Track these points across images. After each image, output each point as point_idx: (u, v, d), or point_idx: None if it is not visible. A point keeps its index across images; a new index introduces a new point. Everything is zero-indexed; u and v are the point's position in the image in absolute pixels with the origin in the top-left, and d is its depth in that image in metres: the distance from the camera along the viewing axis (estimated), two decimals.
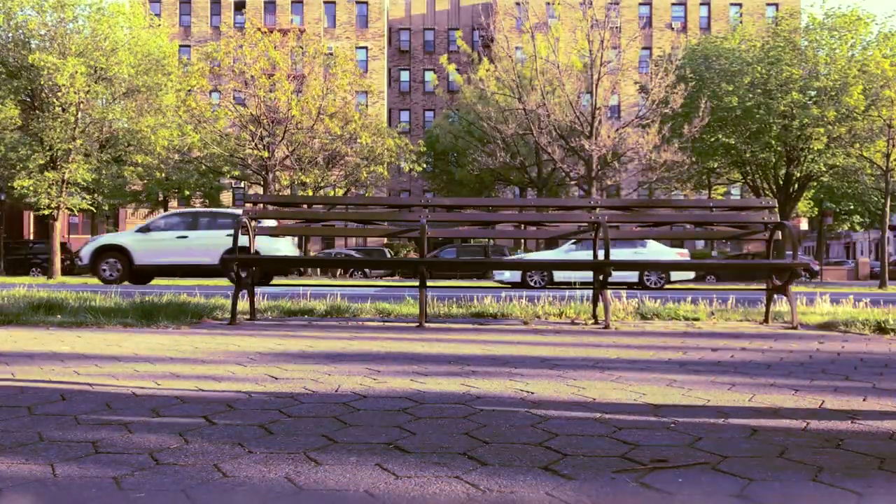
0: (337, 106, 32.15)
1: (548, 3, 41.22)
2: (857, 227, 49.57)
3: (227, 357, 3.43)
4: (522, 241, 35.29)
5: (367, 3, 51.01)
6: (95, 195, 30.02)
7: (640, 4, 51.30)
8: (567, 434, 1.87)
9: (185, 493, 1.37)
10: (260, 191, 35.22)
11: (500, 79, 31.15)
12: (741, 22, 41.41)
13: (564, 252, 17.16)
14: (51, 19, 26.45)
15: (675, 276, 16.89)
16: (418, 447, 1.74)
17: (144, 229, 15.62)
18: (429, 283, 5.59)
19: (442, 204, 6.19)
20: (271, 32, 33.15)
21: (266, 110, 30.33)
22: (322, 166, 32.96)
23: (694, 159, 32.29)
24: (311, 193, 32.68)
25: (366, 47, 50.71)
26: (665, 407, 2.24)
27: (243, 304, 6.06)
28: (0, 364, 3.13)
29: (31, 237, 43.95)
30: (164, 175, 33.58)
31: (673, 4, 51.57)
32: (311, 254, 39.59)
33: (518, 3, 44.68)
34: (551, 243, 26.67)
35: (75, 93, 24.77)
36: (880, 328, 4.97)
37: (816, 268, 33.33)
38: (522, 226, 6.72)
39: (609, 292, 5.59)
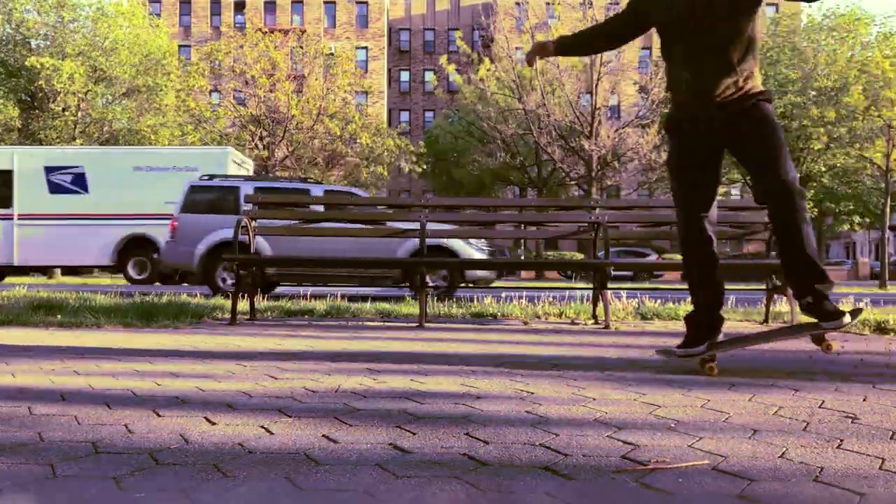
0: (337, 106, 32.15)
1: (548, 3, 41.24)
2: (857, 228, 49.57)
3: (227, 357, 3.43)
4: (522, 241, 35.26)
5: (367, 3, 51.01)
6: None
7: None
8: (567, 434, 1.87)
9: (185, 494, 1.37)
10: None
11: (499, 79, 31.17)
12: None
13: None
14: (50, 19, 26.46)
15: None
16: (418, 447, 1.74)
17: None
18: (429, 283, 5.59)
19: (442, 204, 6.20)
20: (271, 32, 33.16)
21: (266, 110, 30.34)
22: (322, 166, 32.95)
23: None
24: None
25: (366, 47, 50.71)
26: (665, 407, 2.24)
27: (243, 304, 6.06)
28: (0, 364, 3.13)
29: None
30: None
31: None
32: None
33: (518, 3, 44.68)
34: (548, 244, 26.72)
35: (74, 94, 24.78)
36: (880, 328, 4.97)
37: None
38: (522, 226, 6.72)
39: (609, 292, 5.59)
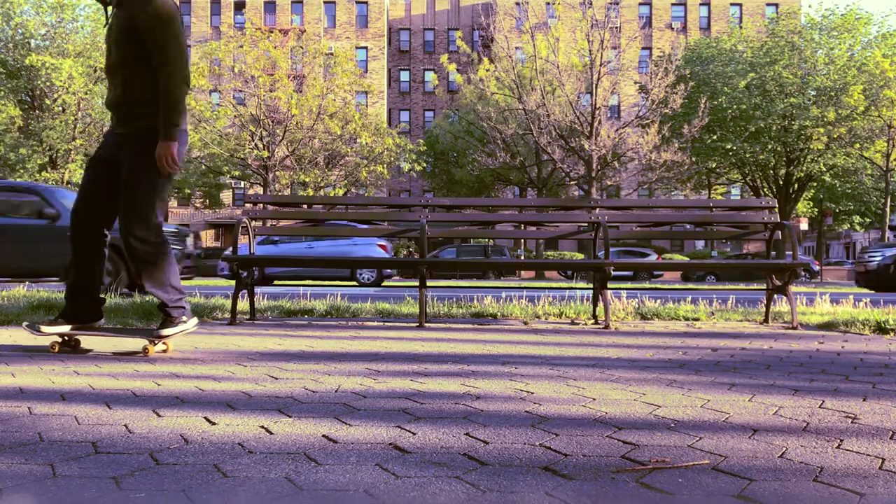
0: (337, 106, 32.18)
1: (548, 3, 41.27)
2: (857, 227, 49.57)
3: (227, 357, 3.43)
4: (522, 241, 35.26)
5: (367, 3, 51.02)
6: None
7: (640, 4, 51.31)
8: (567, 434, 1.87)
9: (185, 493, 1.37)
10: (260, 191, 35.21)
11: (500, 79, 31.18)
12: (740, 25, 41.39)
13: None
14: (50, 19, 26.47)
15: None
16: (418, 447, 1.74)
17: None
18: (429, 284, 5.58)
19: (442, 204, 6.19)
20: (271, 32, 33.16)
21: (266, 110, 30.34)
22: (322, 166, 32.97)
23: (693, 159, 32.32)
24: (311, 193, 32.68)
25: (366, 47, 50.71)
26: (665, 407, 2.24)
27: (243, 304, 6.06)
28: (0, 364, 3.13)
29: None
30: None
31: (673, 4, 51.58)
32: None
33: (518, 3, 44.70)
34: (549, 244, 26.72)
35: (73, 93, 24.80)
36: (880, 328, 4.97)
37: (816, 268, 33.29)
38: (522, 226, 6.72)
39: (609, 292, 5.59)
